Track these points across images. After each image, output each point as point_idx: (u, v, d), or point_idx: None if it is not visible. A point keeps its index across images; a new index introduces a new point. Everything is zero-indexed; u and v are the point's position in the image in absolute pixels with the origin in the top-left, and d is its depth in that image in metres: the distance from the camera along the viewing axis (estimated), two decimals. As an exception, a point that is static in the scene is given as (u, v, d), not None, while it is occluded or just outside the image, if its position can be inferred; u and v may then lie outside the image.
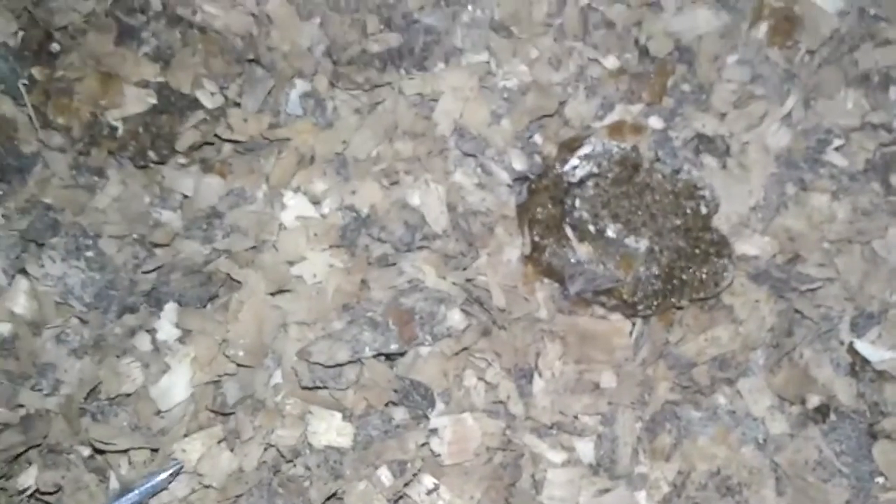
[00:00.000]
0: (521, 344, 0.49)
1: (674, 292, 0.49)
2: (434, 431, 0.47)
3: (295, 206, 0.51)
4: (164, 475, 0.46)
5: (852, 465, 0.48)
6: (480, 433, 0.47)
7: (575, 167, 0.51)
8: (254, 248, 0.50)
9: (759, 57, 0.53)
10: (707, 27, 0.53)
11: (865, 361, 0.49)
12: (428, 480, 0.46)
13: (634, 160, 0.51)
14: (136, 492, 0.46)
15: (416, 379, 0.47)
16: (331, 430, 0.47)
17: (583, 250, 0.49)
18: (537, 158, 0.52)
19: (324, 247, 0.50)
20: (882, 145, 0.52)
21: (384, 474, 0.46)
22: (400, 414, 0.48)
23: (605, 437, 0.49)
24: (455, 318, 0.49)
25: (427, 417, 0.47)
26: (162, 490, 0.46)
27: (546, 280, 0.51)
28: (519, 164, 0.51)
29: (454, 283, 0.50)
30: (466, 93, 0.52)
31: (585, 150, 0.51)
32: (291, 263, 0.50)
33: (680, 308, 0.50)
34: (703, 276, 0.49)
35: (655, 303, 0.49)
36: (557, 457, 0.48)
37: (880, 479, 0.48)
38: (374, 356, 0.48)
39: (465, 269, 0.50)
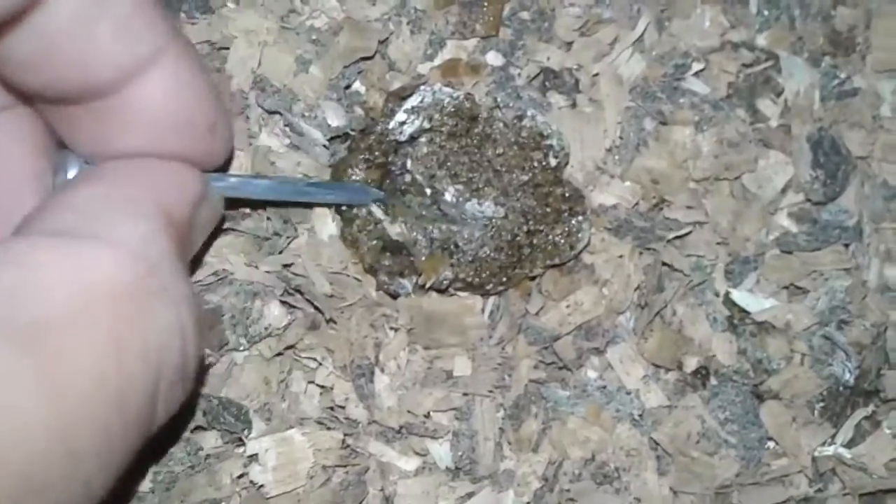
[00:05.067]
0: (357, 336, 0.42)
1: (523, 262, 0.42)
2: (254, 458, 0.39)
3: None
4: None
5: (739, 434, 0.43)
6: (312, 451, 0.39)
7: (402, 123, 0.43)
8: None
9: (604, -26, 0.46)
10: (542, -58, 0.45)
11: (744, 313, 0.44)
12: (251, 518, 0.39)
13: (471, 110, 0.43)
14: None
15: (225, 396, 0.39)
16: (123, 472, 0.38)
17: (395, 231, 0.41)
18: (359, 111, 0.43)
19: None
20: (745, 66, 0.46)
21: (192, 520, 0.37)
22: (210, 441, 0.39)
23: (463, 434, 0.42)
24: (274, 313, 0.41)
25: (244, 442, 0.39)
26: None
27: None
28: (335, 119, 0.43)
29: (269, 272, 0.41)
30: (264, 36, 0.43)
31: (413, 101, 0.43)
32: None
33: (533, 278, 0.43)
34: (557, 238, 0.42)
35: (504, 278, 0.42)
36: (409, 464, 0.41)
37: (770, 445, 0.43)
38: (173, 373, 0.39)
39: (280, 252, 0.42)
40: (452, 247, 0.42)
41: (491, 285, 0.42)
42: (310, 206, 0.42)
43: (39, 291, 0.23)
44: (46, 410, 0.22)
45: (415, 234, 0.42)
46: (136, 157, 0.31)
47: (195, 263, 0.41)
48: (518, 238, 0.42)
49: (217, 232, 0.41)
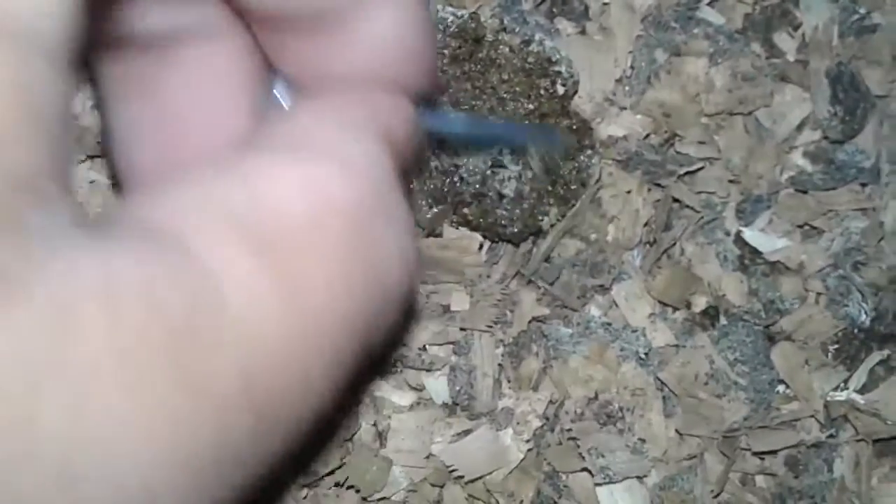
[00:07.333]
0: (352, 266, 0.40)
1: (535, 208, 0.40)
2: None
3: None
4: None
5: (749, 375, 0.41)
6: (303, 381, 0.38)
7: (403, 42, 0.40)
8: None
9: None
10: None
11: (756, 253, 0.42)
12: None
13: (476, 31, 0.41)
14: None
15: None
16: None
17: None
18: (356, 33, 0.41)
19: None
20: (762, -2, 0.44)
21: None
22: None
23: (460, 368, 0.40)
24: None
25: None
26: None
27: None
28: (332, 41, 0.40)
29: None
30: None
31: (415, 20, 0.41)
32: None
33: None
34: (565, 175, 0.40)
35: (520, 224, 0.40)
36: (404, 399, 0.39)
37: (781, 388, 0.41)
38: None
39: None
40: (457, 181, 0.40)
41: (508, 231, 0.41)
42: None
43: (276, 205, 0.23)
44: (284, 325, 0.21)
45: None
46: (354, 83, 0.30)
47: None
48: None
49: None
